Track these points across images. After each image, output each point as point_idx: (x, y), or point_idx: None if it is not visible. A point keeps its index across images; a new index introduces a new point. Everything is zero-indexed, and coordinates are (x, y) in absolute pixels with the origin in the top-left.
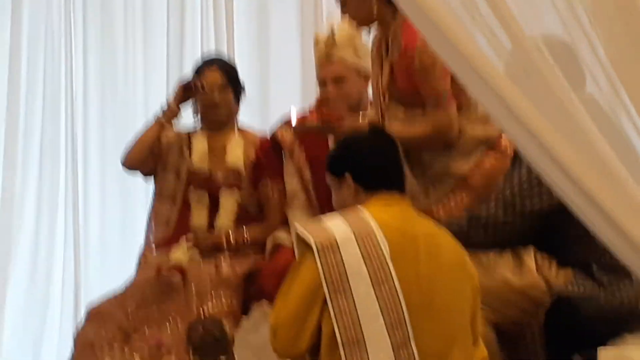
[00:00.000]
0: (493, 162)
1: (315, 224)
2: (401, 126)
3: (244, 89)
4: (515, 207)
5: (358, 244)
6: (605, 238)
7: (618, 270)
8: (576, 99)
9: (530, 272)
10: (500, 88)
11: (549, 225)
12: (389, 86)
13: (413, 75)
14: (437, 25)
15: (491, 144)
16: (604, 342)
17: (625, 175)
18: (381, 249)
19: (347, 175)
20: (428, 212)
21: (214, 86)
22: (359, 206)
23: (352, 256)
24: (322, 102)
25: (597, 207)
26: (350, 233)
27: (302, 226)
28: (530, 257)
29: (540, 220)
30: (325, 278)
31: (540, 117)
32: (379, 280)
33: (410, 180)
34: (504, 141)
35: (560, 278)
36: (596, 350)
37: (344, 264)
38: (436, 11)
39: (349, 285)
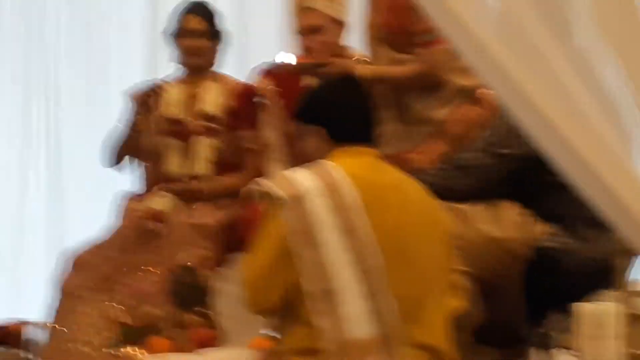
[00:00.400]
0: (472, 111)
1: (281, 177)
2: (390, 66)
3: (224, 36)
4: (496, 150)
5: (325, 195)
6: (585, 191)
7: (599, 225)
8: (558, 52)
9: (509, 224)
10: (483, 42)
11: (530, 171)
12: (377, 25)
13: (402, 13)
14: None
15: (472, 94)
16: (583, 297)
17: (606, 128)
18: (349, 199)
19: (316, 125)
20: (403, 157)
21: (194, 32)
22: (325, 160)
23: (319, 207)
24: (306, 52)
25: (576, 158)
26: (318, 184)
27: (268, 180)
28: (510, 210)
29: (523, 164)
30: (292, 230)
31: (521, 68)
32: (348, 230)
33: (389, 122)
34: (485, 92)
35: (541, 232)
36: (573, 305)
37: (311, 215)
38: None
39: (317, 235)
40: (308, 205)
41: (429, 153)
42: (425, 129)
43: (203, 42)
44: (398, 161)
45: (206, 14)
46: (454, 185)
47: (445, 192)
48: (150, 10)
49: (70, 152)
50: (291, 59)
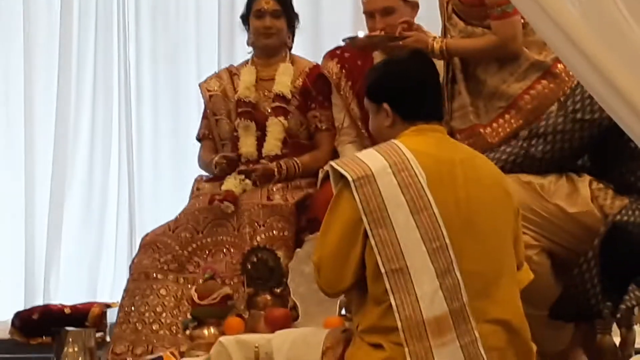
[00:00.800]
0: (545, 86)
1: (350, 158)
2: (464, 39)
3: (297, 18)
4: (578, 115)
5: (394, 174)
6: None
7: None
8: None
9: (584, 199)
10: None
11: (612, 137)
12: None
13: None
14: None
15: (546, 68)
16: None
17: None
18: (417, 177)
19: (385, 103)
20: (477, 130)
21: (266, 12)
22: (393, 140)
23: (389, 186)
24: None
25: None
26: (386, 164)
27: (337, 161)
28: (584, 185)
29: (605, 129)
30: (363, 210)
31: (600, 45)
32: (417, 208)
33: (463, 96)
34: (560, 67)
35: (616, 206)
36: None
37: (381, 195)
38: None
39: (388, 215)
40: (379, 185)
41: (502, 127)
42: (499, 103)
43: (274, 22)
44: (471, 135)
45: None
46: (534, 153)
47: (525, 160)
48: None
49: (147, 139)
50: (362, 34)
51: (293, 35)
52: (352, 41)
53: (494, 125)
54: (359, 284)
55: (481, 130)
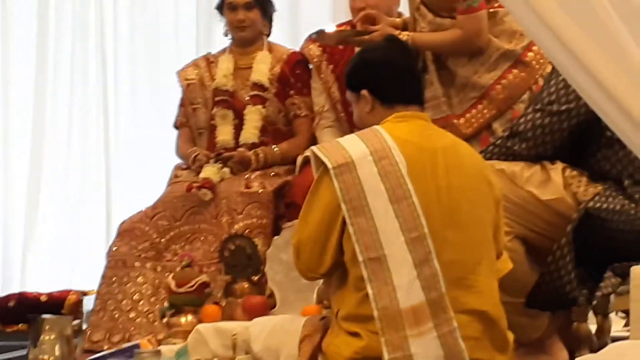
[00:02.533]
0: (516, 75)
1: (331, 144)
2: (430, 33)
3: (273, 6)
4: (552, 108)
5: (375, 162)
6: (637, 150)
7: None
8: (613, 12)
9: (556, 186)
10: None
11: (590, 126)
12: None
13: None
14: None
15: (516, 57)
16: (636, 258)
17: None
18: (398, 166)
19: (364, 89)
20: (450, 122)
21: (240, 5)
22: (375, 126)
23: (369, 174)
24: (367, 20)
25: (630, 118)
26: (367, 151)
27: (318, 147)
28: (557, 172)
29: (584, 117)
30: (343, 197)
31: (578, 31)
32: (397, 197)
33: (436, 87)
34: (530, 55)
35: (590, 193)
36: (629, 266)
37: (361, 183)
38: None
39: (367, 203)
40: (359, 173)
41: (475, 118)
42: (471, 93)
43: (247, 15)
44: (445, 126)
45: None
46: (518, 151)
47: (509, 158)
48: None
49: (125, 125)
50: (331, 28)
51: (270, 23)
52: (319, 36)
53: (467, 115)
54: (339, 268)
55: (455, 120)
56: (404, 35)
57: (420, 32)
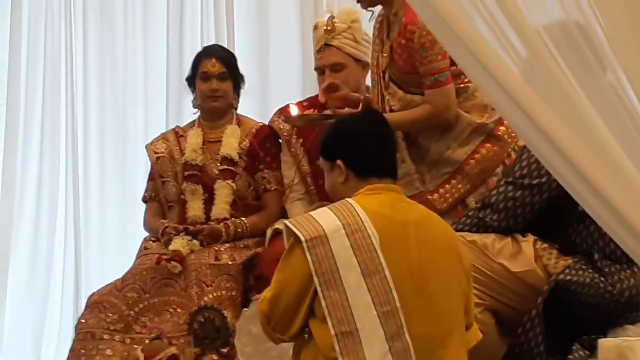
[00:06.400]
0: (489, 149)
1: (304, 217)
2: (398, 112)
3: (243, 78)
4: (526, 181)
5: (347, 236)
6: (607, 226)
7: (620, 259)
8: (580, 90)
9: (527, 259)
10: (505, 79)
11: (561, 200)
12: (388, 66)
13: (412, 53)
14: (443, 19)
15: (488, 132)
16: (604, 331)
17: (627, 164)
18: (371, 239)
19: (339, 160)
20: (424, 198)
21: (212, 75)
22: (347, 199)
23: (341, 248)
24: (329, 88)
25: (599, 196)
26: (339, 225)
27: (290, 220)
28: (528, 245)
29: (547, 195)
30: (315, 270)
31: (546, 108)
32: (369, 271)
33: (408, 164)
34: (502, 129)
35: (560, 265)
36: (596, 339)
37: (333, 256)
38: (443, 5)
39: (340, 277)
40: (331, 246)
41: (449, 193)
42: (444, 169)
43: (221, 85)
44: (419, 202)
45: (222, 57)
46: (490, 222)
47: (480, 229)
48: (175, 57)
49: (94, 197)
50: (294, 110)
51: (238, 96)
52: (287, 119)
53: (441, 191)
54: (305, 328)
55: (429, 197)
56: None
57: (390, 110)
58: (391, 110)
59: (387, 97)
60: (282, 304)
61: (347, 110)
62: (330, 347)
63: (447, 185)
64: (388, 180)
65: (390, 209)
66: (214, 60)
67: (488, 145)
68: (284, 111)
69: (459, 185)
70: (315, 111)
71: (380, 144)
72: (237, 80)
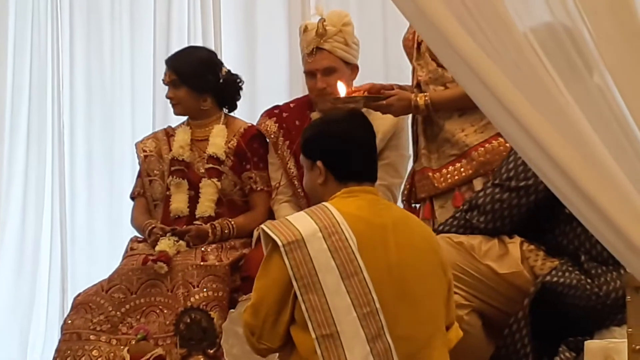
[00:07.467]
0: (502, 144)
1: (280, 222)
2: (444, 91)
3: (206, 79)
4: (513, 183)
5: (324, 238)
6: (593, 228)
7: (607, 261)
8: (567, 93)
9: (514, 260)
10: (492, 82)
11: (548, 202)
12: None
13: None
14: (430, 21)
15: None
16: (590, 333)
17: (614, 166)
18: (348, 242)
19: (320, 161)
20: (426, 174)
21: (168, 84)
22: (324, 203)
23: (319, 251)
24: (320, 93)
25: (586, 198)
26: (316, 228)
27: (267, 225)
28: (515, 246)
29: (534, 197)
30: (294, 274)
31: (533, 111)
32: (348, 273)
33: (421, 140)
34: None
35: (547, 267)
36: (582, 341)
37: (311, 260)
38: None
39: (319, 280)
40: (309, 249)
41: (451, 174)
42: (451, 150)
43: (175, 93)
44: (421, 178)
45: (174, 65)
46: (476, 224)
47: (467, 230)
48: (162, 58)
49: (81, 196)
50: (342, 91)
51: (213, 96)
52: (335, 101)
53: (444, 171)
54: (289, 344)
55: (430, 174)
56: (421, 97)
57: (417, 81)
58: (418, 82)
59: (416, 67)
60: (264, 311)
61: (395, 92)
62: (312, 351)
63: (450, 167)
64: (367, 184)
65: (369, 211)
66: (166, 69)
67: (501, 139)
68: (269, 112)
69: (462, 169)
70: (361, 93)
71: (362, 150)
72: (195, 83)
